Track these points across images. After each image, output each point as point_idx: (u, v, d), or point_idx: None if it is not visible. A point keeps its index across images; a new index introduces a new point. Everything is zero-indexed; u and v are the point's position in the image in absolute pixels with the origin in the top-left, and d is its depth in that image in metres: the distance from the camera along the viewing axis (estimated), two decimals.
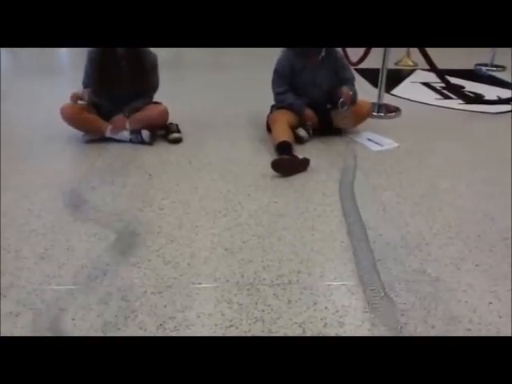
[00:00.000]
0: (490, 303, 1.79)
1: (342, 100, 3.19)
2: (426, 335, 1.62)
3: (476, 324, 1.68)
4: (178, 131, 3.35)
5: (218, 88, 4.82)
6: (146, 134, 3.24)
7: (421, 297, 1.82)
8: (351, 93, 3.20)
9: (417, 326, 1.66)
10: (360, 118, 3.45)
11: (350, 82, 3.33)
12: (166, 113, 3.35)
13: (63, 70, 6.26)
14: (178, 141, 3.29)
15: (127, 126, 3.25)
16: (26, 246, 2.11)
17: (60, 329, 1.63)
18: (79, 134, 3.31)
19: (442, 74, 4.35)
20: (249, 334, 1.62)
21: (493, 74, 5.84)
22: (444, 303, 1.78)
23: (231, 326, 1.66)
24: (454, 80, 5.07)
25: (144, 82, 3.29)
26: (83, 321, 1.67)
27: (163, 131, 3.38)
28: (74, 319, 1.68)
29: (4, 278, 1.88)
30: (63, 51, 6.97)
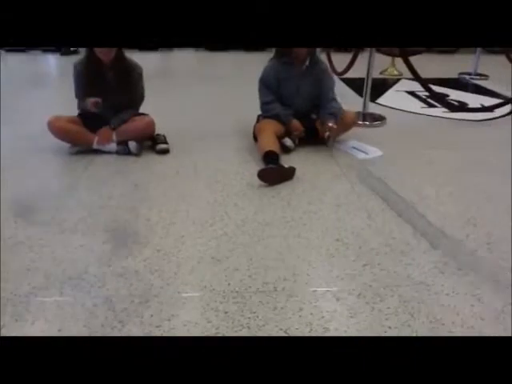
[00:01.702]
0: (472, 306, 1.82)
1: (327, 134, 3.24)
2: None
3: (459, 327, 1.71)
4: (166, 142, 3.38)
5: (205, 99, 4.86)
6: (133, 145, 3.25)
7: (405, 301, 1.85)
8: (335, 126, 3.24)
9: (400, 330, 1.69)
10: (345, 127, 3.50)
11: (332, 90, 3.38)
12: (152, 124, 3.38)
13: (52, 79, 6.25)
14: (165, 151, 3.31)
15: (114, 137, 3.27)
16: (13, 257, 2.10)
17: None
18: (66, 145, 3.31)
19: (425, 82, 4.42)
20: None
21: (476, 82, 5.95)
22: (427, 307, 1.81)
23: (217, 333, 1.67)
24: (438, 89, 5.16)
25: (130, 94, 3.32)
26: (69, 332, 1.67)
27: (150, 142, 3.40)
28: (60, 330, 1.68)
29: None
30: (52, 59, 7.01)
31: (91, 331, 1.67)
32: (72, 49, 6.98)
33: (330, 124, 3.22)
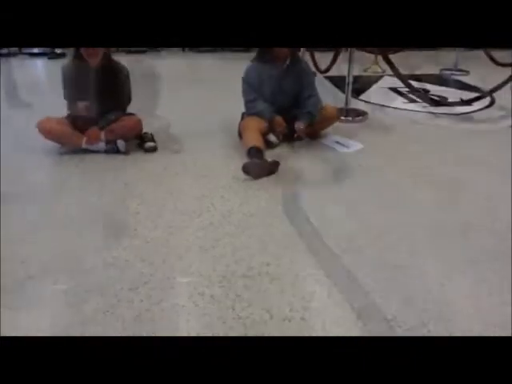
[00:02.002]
0: (443, 284, 1.94)
1: (296, 135, 3.43)
2: (422, 335, 1.70)
3: (430, 302, 1.83)
4: (153, 140, 3.47)
5: (191, 99, 4.95)
6: (121, 144, 3.34)
7: (379, 282, 1.96)
8: (303, 127, 3.38)
9: (378, 306, 1.80)
10: (327, 122, 3.62)
11: (311, 88, 3.49)
12: (139, 123, 3.47)
13: (40, 82, 6.32)
14: (153, 149, 3.41)
15: (102, 137, 3.35)
16: (7, 250, 2.19)
17: (41, 323, 1.73)
18: (56, 145, 3.40)
19: (405, 79, 4.56)
20: (220, 321, 1.74)
21: (457, 78, 6.10)
22: (402, 286, 1.93)
23: (205, 314, 1.78)
24: (419, 84, 5.29)
25: (117, 95, 3.40)
26: (62, 317, 1.77)
27: (138, 141, 3.49)
28: (53, 316, 1.78)
29: None
30: (39, 62, 7.06)
31: (84, 316, 1.77)
32: (59, 52, 7.03)
33: (299, 126, 3.38)
